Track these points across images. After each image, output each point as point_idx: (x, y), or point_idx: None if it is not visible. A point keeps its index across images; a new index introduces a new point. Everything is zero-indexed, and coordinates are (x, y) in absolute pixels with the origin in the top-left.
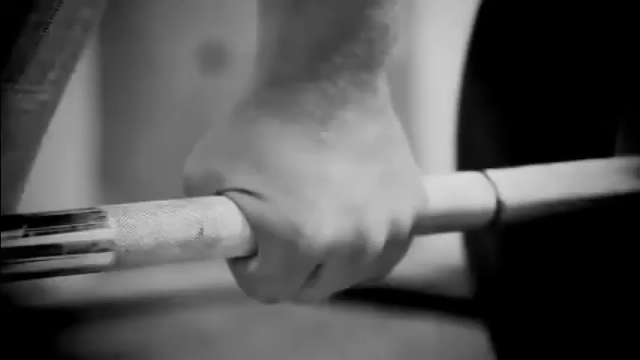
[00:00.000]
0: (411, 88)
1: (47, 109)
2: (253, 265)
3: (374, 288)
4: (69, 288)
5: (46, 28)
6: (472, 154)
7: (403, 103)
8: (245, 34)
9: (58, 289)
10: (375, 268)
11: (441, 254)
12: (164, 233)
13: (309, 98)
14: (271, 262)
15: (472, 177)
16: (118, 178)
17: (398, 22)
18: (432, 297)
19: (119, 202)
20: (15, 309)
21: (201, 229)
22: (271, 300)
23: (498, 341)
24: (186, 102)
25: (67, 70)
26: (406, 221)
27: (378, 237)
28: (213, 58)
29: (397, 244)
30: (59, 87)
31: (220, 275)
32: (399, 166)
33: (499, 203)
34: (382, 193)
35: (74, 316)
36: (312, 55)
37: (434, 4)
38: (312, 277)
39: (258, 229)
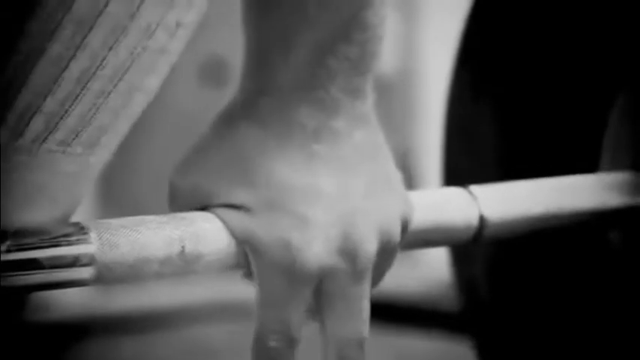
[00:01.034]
0: (411, 99)
1: (93, 170)
2: (255, 292)
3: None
4: (73, 303)
5: (107, 97)
6: (458, 169)
7: (403, 115)
8: None
9: (61, 304)
10: None
11: (434, 269)
12: (145, 249)
13: (304, 109)
14: (269, 282)
15: (455, 192)
16: (118, 192)
17: (385, 23)
18: (424, 311)
19: (119, 216)
20: (19, 324)
21: (183, 247)
22: (284, 325)
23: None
24: (187, 116)
25: (120, 133)
26: (395, 227)
27: (370, 247)
28: (215, 72)
29: (388, 251)
30: (109, 150)
31: (225, 290)
32: (384, 172)
33: (482, 219)
34: (371, 202)
35: (78, 331)
36: (310, 61)
37: (433, 10)
38: (316, 295)
39: (247, 244)
